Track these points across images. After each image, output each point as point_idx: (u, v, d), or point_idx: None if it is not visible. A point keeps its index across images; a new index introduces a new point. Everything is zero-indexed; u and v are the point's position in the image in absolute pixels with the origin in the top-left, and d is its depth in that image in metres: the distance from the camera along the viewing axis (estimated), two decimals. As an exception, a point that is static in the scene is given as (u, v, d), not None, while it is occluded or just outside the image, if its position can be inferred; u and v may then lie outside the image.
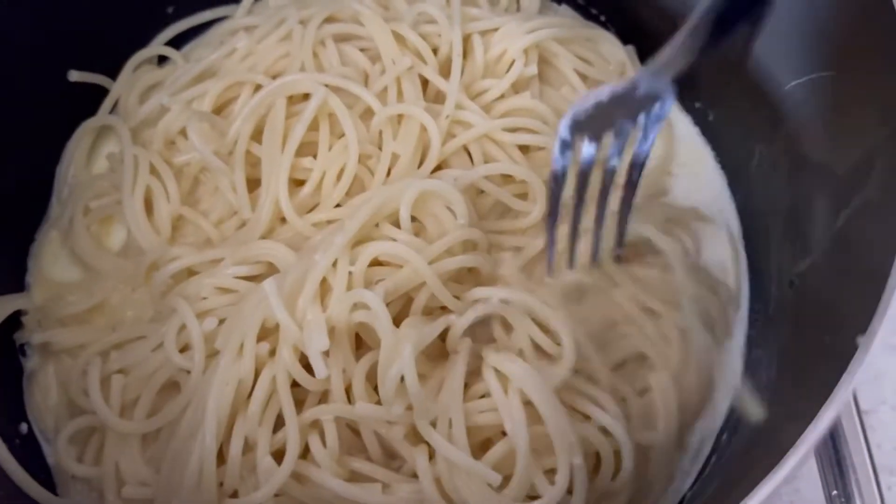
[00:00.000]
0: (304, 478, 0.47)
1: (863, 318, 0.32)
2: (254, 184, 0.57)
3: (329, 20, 0.63)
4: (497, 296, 0.50)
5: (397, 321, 0.48)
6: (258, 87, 0.59)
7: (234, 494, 0.48)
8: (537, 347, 0.50)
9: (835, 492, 0.54)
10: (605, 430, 0.48)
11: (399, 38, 0.59)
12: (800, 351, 0.44)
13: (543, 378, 0.47)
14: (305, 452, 0.48)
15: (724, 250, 0.58)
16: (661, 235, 0.54)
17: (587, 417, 0.48)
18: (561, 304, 0.51)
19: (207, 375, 0.49)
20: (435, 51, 0.60)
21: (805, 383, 0.38)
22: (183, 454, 0.48)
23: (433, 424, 0.46)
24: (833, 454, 0.54)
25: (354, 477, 0.48)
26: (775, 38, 0.50)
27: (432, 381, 0.49)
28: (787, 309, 0.49)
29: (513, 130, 0.57)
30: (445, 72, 0.59)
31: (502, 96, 0.59)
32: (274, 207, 0.55)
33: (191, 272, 0.55)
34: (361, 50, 0.62)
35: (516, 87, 0.60)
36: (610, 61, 0.63)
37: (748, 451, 0.44)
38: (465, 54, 0.60)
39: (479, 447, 0.47)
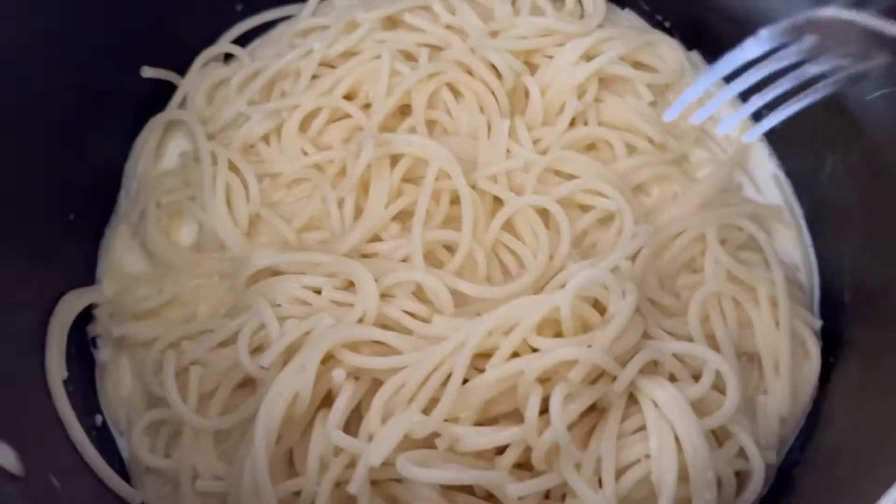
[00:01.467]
0: (400, 502, 0.48)
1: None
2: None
3: (394, 23, 0.65)
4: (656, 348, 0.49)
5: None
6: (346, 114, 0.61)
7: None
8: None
9: None
10: (742, 453, 0.49)
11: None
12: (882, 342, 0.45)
13: (690, 409, 0.47)
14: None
15: (796, 254, 0.58)
16: (754, 227, 0.55)
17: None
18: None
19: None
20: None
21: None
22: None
23: (576, 467, 0.46)
24: None
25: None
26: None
27: (578, 428, 0.48)
28: (866, 319, 0.50)
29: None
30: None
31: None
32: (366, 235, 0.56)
33: (272, 272, 0.55)
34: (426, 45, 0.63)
35: (575, 121, 0.61)
36: (668, 62, 0.63)
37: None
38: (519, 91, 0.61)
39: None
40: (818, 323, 0.55)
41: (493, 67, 0.60)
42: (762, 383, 0.53)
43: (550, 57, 0.62)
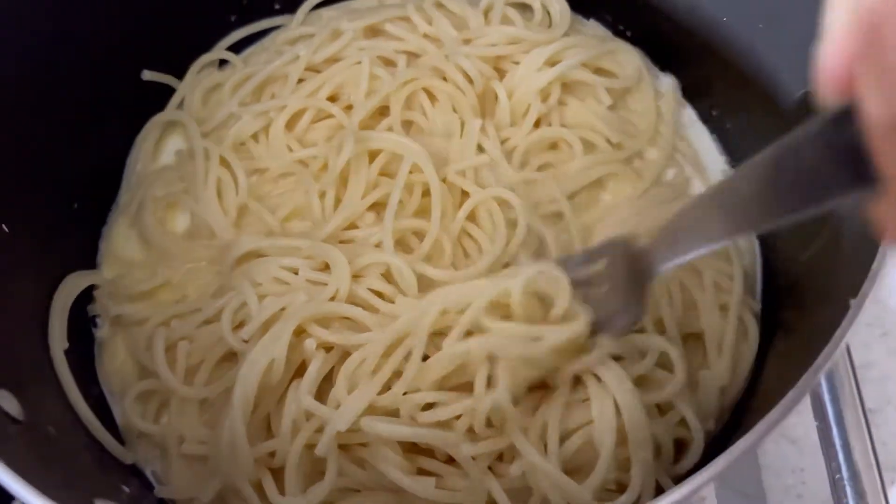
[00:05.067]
0: (366, 464, 0.52)
1: (854, 284, 0.38)
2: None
3: (376, 32, 0.70)
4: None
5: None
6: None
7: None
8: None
9: (837, 476, 0.57)
10: (683, 422, 0.53)
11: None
12: (802, 318, 0.49)
13: (629, 381, 0.51)
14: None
15: (743, 243, 0.62)
16: None
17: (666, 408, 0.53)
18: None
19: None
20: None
21: (807, 339, 0.43)
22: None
23: (524, 431, 0.51)
24: (841, 446, 0.58)
25: (420, 472, 0.52)
26: (785, 50, 0.55)
27: (528, 399, 0.53)
28: (792, 299, 0.54)
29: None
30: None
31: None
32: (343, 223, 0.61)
33: (257, 257, 0.60)
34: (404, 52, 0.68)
35: (539, 122, 0.65)
36: (627, 68, 0.68)
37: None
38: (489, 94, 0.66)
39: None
40: (758, 306, 0.59)
41: (466, 73, 0.65)
42: (705, 360, 0.57)
43: (518, 63, 0.67)
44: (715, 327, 0.57)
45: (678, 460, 0.53)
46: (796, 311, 0.53)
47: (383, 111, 0.66)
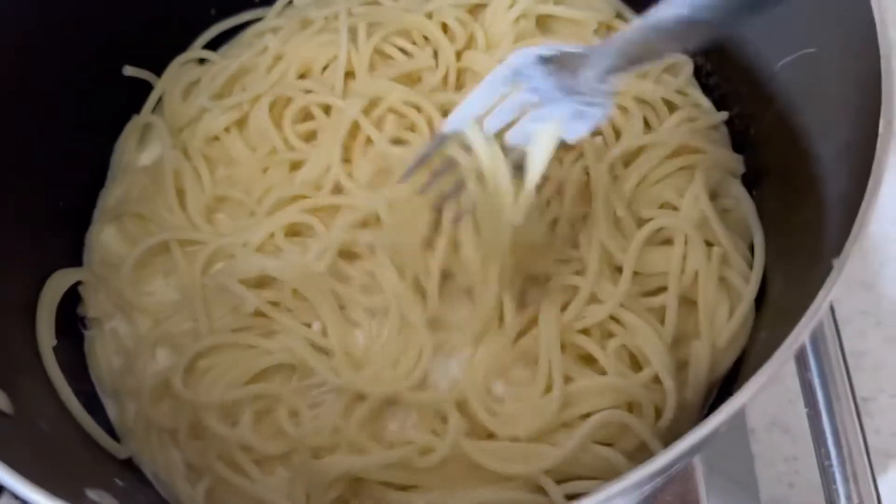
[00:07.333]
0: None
1: (838, 244, 0.38)
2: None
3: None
4: None
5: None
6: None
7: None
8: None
9: (827, 462, 0.57)
10: (656, 380, 0.52)
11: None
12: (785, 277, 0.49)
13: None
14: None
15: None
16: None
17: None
18: None
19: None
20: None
21: (791, 300, 0.43)
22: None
23: None
24: (831, 433, 0.58)
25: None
26: (765, 21, 0.55)
27: None
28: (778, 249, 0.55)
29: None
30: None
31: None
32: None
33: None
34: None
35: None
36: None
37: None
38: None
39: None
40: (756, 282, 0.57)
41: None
42: (696, 329, 0.55)
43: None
44: (710, 301, 0.55)
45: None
46: (785, 281, 0.53)
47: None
